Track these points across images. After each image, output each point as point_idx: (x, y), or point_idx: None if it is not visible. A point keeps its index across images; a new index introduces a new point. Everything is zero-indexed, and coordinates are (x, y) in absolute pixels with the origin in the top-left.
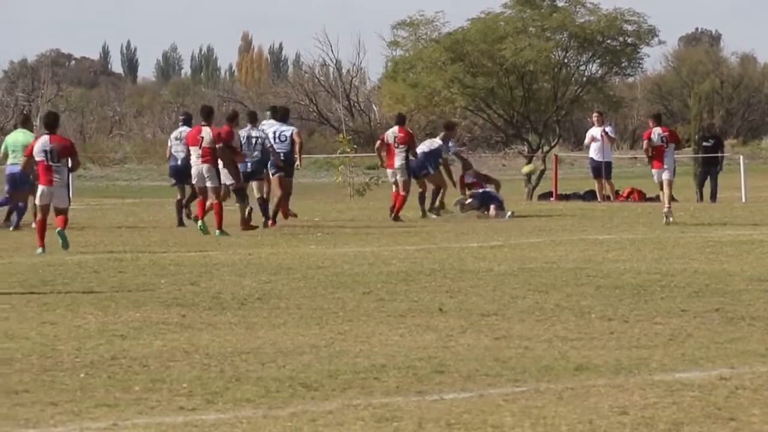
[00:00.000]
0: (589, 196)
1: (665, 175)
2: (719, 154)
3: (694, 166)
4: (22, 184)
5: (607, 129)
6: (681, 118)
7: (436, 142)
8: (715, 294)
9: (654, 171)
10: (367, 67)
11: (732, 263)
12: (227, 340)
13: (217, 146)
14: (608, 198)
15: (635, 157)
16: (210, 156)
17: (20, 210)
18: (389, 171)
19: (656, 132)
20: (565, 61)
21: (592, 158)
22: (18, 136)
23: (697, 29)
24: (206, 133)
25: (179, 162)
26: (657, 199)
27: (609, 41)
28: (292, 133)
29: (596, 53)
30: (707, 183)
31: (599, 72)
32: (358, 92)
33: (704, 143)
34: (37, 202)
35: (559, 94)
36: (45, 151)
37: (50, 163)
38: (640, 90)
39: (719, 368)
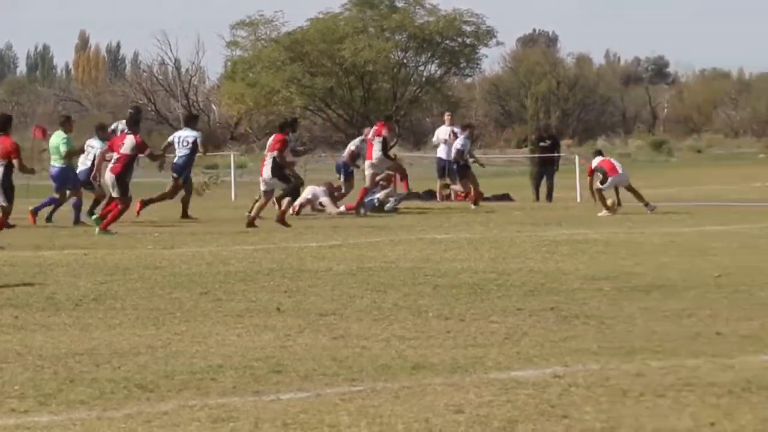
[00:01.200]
0: (427, 195)
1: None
2: (555, 154)
3: (530, 166)
4: (62, 183)
5: (456, 129)
6: (518, 119)
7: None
8: (550, 293)
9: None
10: (206, 67)
11: (567, 262)
12: (61, 342)
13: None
14: (448, 197)
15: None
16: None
17: (76, 205)
18: (366, 162)
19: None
20: (405, 61)
21: (440, 157)
22: (54, 139)
23: (534, 30)
24: (129, 140)
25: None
26: (492, 199)
27: (448, 42)
28: (195, 139)
29: (435, 54)
30: (543, 182)
31: (438, 72)
32: (197, 91)
33: (541, 143)
34: None
35: (399, 94)
36: None
37: None
38: (479, 90)
39: (553, 366)
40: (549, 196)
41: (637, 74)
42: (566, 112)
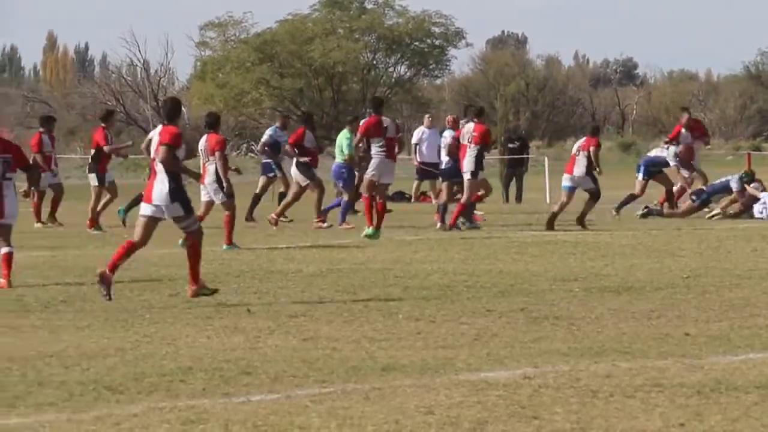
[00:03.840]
0: (398, 196)
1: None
2: (525, 156)
3: (500, 167)
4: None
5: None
6: (488, 120)
7: None
8: (520, 294)
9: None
10: (175, 68)
11: (536, 263)
12: (30, 344)
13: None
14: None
15: None
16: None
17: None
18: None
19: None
20: (374, 62)
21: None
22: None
23: (503, 32)
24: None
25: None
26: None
27: (417, 43)
28: None
29: (404, 55)
30: (513, 184)
31: (407, 74)
32: (166, 92)
33: (510, 145)
34: None
35: (369, 96)
36: None
37: None
38: (448, 91)
39: (523, 367)
40: (518, 198)
41: (606, 76)
42: (536, 114)
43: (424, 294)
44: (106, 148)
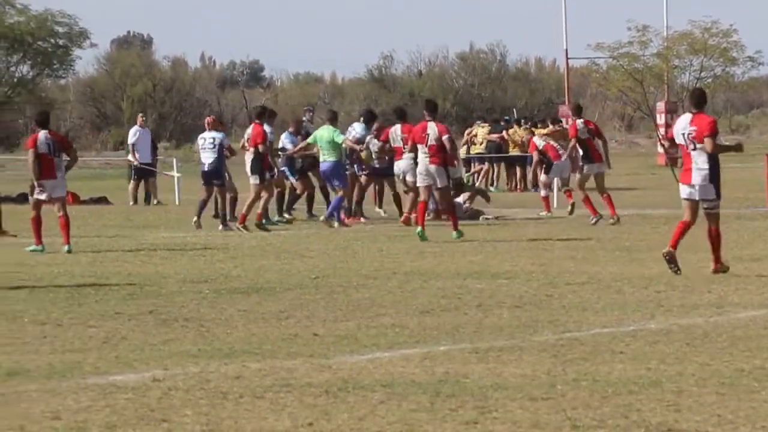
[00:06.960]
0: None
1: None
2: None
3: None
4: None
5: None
6: (115, 121)
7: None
8: (149, 296)
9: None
10: None
11: (166, 266)
12: None
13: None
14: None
15: None
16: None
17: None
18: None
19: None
20: None
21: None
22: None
23: (129, 32)
24: (432, 129)
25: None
26: (90, 201)
27: (40, 42)
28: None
29: (27, 54)
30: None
31: (30, 73)
32: None
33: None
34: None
35: None
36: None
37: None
38: (73, 92)
39: (153, 370)
40: (147, 199)
41: (233, 78)
42: (163, 115)
43: (50, 297)
44: (260, 148)
